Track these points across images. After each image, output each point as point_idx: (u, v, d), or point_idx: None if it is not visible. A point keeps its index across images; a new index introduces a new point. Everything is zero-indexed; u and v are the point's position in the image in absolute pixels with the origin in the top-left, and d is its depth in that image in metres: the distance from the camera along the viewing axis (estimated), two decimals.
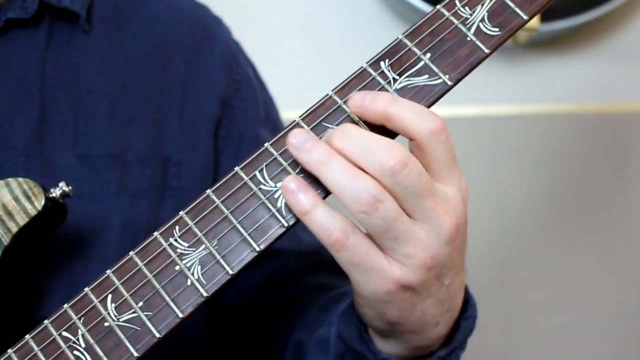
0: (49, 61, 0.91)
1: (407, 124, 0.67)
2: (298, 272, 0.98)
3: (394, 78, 0.70)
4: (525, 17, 0.71)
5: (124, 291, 0.69)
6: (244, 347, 1.00)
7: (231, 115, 1.00)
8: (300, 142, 0.67)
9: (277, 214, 0.69)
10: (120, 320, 0.69)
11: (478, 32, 0.71)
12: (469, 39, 0.71)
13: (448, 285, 0.70)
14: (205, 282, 0.68)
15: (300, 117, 0.71)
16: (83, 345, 0.69)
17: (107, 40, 0.95)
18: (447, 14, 0.72)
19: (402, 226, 0.65)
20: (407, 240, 0.66)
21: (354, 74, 0.71)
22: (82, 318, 0.69)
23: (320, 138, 0.69)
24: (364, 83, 0.71)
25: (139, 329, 0.68)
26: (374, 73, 0.71)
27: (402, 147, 0.65)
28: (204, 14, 1.06)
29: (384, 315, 0.70)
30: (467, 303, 0.76)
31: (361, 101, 0.68)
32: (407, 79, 0.70)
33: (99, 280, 0.70)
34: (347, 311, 0.78)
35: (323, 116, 0.70)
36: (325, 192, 0.68)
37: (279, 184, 0.69)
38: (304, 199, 0.66)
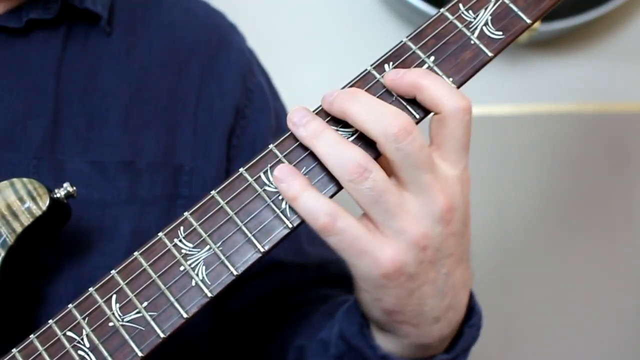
0: (65, 64, 0.91)
1: (437, 96, 0.68)
2: (302, 284, 0.98)
3: None
4: (528, 21, 0.71)
5: (128, 291, 0.70)
6: (245, 354, 0.99)
7: (243, 124, 0.99)
8: (298, 117, 0.69)
9: (281, 215, 0.69)
10: (125, 320, 0.69)
11: (482, 36, 0.71)
12: (472, 42, 0.71)
13: (446, 275, 0.70)
14: (209, 283, 0.69)
15: None
16: (87, 345, 0.69)
17: (123, 45, 0.95)
18: (451, 17, 0.72)
19: (392, 198, 0.66)
20: (398, 214, 0.66)
21: (358, 76, 0.71)
22: (87, 318, 0.70)
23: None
24: (368, 86, 0.71)
25: (143, 329, 0.69)
26: (377, 76, 0.71)
27: (407, 117, 0.66)
28: (220, 21, 1.05)
29: (381, 302, 0.70)
30: (473, 311, 0.76)
31: (396, 73, 0.69)
32: None
33: (104, 281, 0.70)
34: (351, 308, 0.78)
35: (328, 118, 0.70)
36: (337, 187, 0.69)
37: None
38: (292, 185, 0.68)
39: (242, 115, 0.99)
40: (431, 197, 0.67)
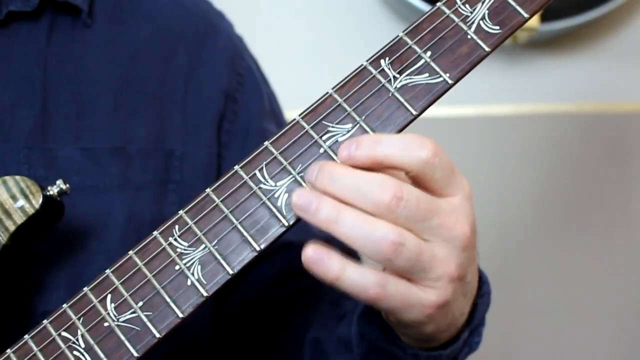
0: (51, 54, 0.91)
1: (398, 163, 0.66)
2: None
3: (394, 76, 0.70)
4: (526, 15, 0.70)
5: (123, 291, 0.69)
6: (257, 344, 0.99)
7: (235, 109, 0.99)
8: (305, 204, 0.66)
9: (277, 213, 0.68)
10: (120, 320, 0.69)
11: (478, 30, 0.70)
12: (469, 37, 0.70)
13: (469, 281, 0.71)
14: (205, 282, 0.68)
15: (300, 115, 0.70)
16: (83, 345, 0.69)
17: (109, 33, 0.95)
18: (447, 11, 0.71)
19: (425, 256, 0.65)
20: (432, 266, 0.66)
21: (354, 72, 0.71)
22: (82, 318, 0.69)
23: (309, 164, 0.69)
24: (364, 81, 0.70)
25: (139, 329, 0.68)
26: (374, 71, 0.70)
27: (392, 180, 0.65)
28: (207, 7, 1.05)
29: (423, 332, 0.70)
30: (480, 280, 0.76)
31: (347, 151, 0.67)
32: (407, 77, 0.70)
33: (98, 280, 0.70)
34: (367, 312, 0.78)
35: (323, 115, 0.70)
36: None
37: (279, 183, 0.69)
38: (332, 266, 0.65)
39: (232, 100, 1.00)
40: (449, 234, 0.66)
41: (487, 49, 0.70)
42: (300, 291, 0.97)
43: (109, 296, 0.69)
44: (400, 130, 0.70)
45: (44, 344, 0.69)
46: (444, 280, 0.66)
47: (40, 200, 0.75)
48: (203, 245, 0.69)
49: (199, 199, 0.70)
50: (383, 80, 0.70)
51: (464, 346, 0.77)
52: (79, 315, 0.69)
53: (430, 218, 0.65)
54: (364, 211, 0.65)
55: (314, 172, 0.67)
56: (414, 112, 0.69)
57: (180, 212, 0.70)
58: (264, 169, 0.70)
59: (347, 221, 0.65)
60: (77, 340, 0.69)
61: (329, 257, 0.65)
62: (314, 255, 0.66)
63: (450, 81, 0.70)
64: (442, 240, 0.66)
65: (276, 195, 0.69)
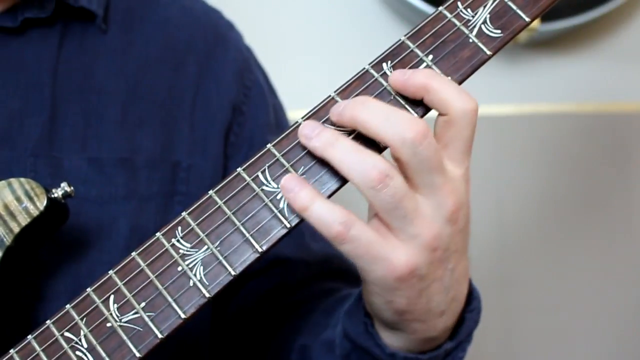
0: (61, 62, 0.91)
1: (446, 98, 0.67)
2: (306, 280, 0.97)
3: None
4: (527, 19, 0.71)
5: (126, 292, 0.69)
6: (249, 353, 0.99)
7: (241, 121, 0.99)
8: (310, 130, 0.68)
9: (279, 215, 0.69)
10: (123, 320, 0.69)
11: (480, 34, 0.71)
12: (471, 40, 0.71)
13: (452, 270, 0.70)
14: (207, 283, 0.68)
15: (302, 118, 0.71)
16: (85, 345, 0.69)
17: (119, 42, 0.95)
18: (449, 15, 0.72)
19: (410, 204, 0.66)
20: (414, 219, 0.66)
21: (356, 75, 0.71)
22: (85, 318, 0.69)
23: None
24: (366, 85, 0.71)
25: (141, 329, 0.68)
26: (376, 74, 0.71)
27: (422, 121, 0.66)
28: (217, 18, 1.05)
29: (392, 304, 0.70)
30: (471, 295, 0.76)
31: (402, 74, 0.69)
32: None
33: (102, 281, 0.70)
34: (353, 308, 0.78)
35: (325, 117, 0.70)
36: (337, 183, 0.69)
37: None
38: (301, 195, 0.67)
39: (239, 112, 0.99)
40: (442, 198, 0.67)
41: (488, 52, 0.70)
42: (292, 305, 0.97)
43: (112, 297, 0.70)
44: None
45: (47, 344, 0.69)
46: (419, 242, 0.66)
47: (45, 202, 0.75)
48: (205, 247, 0.69)
49: (202, 200, 0.70)
50: (385, 84, 0.70)
51: (446, 357, 0.76)
52: (82, 315, 0.70)
53: (437, 173, 0.66)
54: (385, 142, 0.66)
55: (342, 104, 0.68)
56: (416, 115, 0.70)
57: (183, 213, 0.70)
58: (267, 171, 0.70)
59: (342, 145, 0.67)
60: (80, 340, 0.69)
61: (302, 188, 0.67)
62: (289, 183, 0.68)
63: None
64: (433, 202, 0.67)
65: (278, 197, 0.69)
